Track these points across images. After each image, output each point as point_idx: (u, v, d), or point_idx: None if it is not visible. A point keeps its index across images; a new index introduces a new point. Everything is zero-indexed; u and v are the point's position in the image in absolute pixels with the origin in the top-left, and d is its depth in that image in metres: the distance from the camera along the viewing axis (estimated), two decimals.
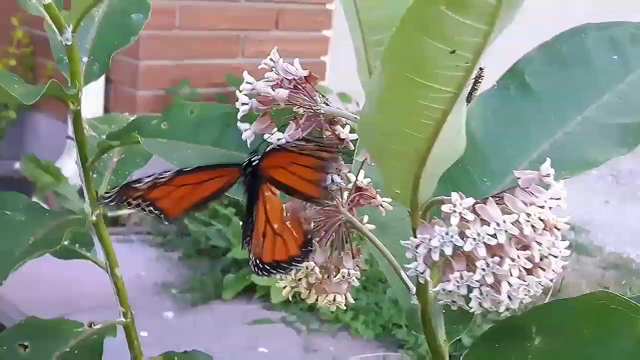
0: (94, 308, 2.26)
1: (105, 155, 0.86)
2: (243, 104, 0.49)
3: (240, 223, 2.69)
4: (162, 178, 0.57)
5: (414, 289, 0.52)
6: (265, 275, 0.51)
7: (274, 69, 0.49)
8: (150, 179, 0.56)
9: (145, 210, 0.56)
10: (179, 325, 2.35)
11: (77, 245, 0.89)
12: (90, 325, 0.86)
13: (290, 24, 3.30)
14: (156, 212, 0.56)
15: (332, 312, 2.52)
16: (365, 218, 0.53)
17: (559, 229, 0.44)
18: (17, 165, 3.10)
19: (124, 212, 2.92)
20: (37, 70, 3.31)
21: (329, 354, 2.29)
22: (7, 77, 0.71)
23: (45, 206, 0.85)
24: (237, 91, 0.50)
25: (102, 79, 2.93)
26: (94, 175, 0.86)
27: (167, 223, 0.55)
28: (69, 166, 3.03)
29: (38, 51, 3.31)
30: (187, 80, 3.06)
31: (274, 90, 0.48)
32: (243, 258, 2.59)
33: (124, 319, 0.90)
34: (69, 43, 0.75)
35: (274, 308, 2.48)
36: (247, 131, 0.49)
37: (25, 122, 3.34)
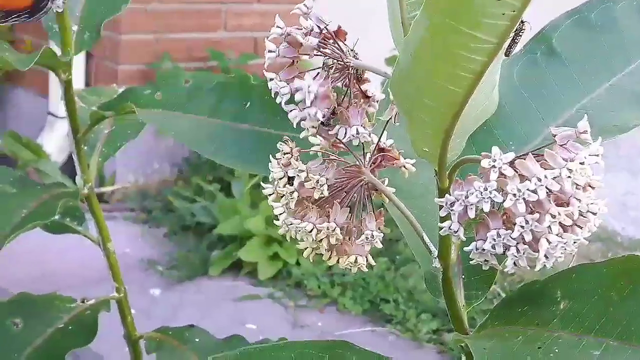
0: (78, 285, 2.23)
1: (96, 127, 0.83)
2: (270, 51, 0.46)
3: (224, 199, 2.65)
4: None
5: (435, 252, 0.51)
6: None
7: (306, 15, 0.46)
8: None
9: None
10: (166, 302, 2.33)
11: (68, 219, 0.87)
12: (83, 301, 0.84)
13: None
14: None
15: (319, 287, 2.52)
16: (386, 181, 0.51)
17: (592, 187, 0.43)
18: None
19: (108, 188, 2.89)
20: (15, 45, 3.26)
21: (317, 330, 2.28)
22: None
23: None
24: (265, 38, 0.47)
25: (83, 53, 2.89)
26: (85, 148, 0.84)
27: None
28: (51, 142, 2.99)
29: (16, 26, 3.25)
30: (168, 54, 3.02)
31: (304, 38, 0.46)
32: (229, 234, 2.57)
33: (117, 294, 0.88)
34: (60, 10, 0.72)
35: (261, 284, 2.46)
36: (273, 80, 0.46)
37: (5, 97, 3.28)
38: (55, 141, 3.01)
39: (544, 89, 0.59)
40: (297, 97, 0.45)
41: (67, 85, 0.77)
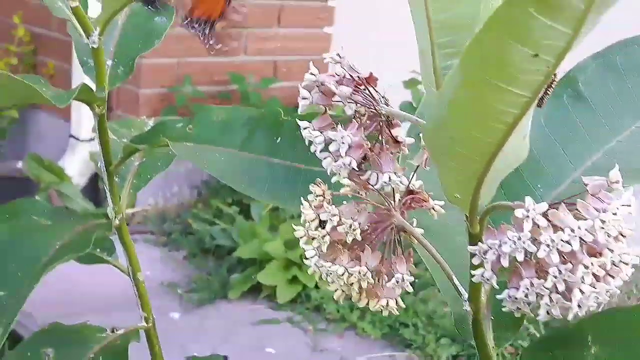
0: (103, 309, 2.25)
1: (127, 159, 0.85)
2: (303, 97, 0.47)
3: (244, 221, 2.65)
4: None
5: (465, 295, 0.51)
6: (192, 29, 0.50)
7: (339, 64, 0.48)
8: None
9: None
10: (186, 326, 2.34)
11: (98, 250, 0.88)
12: (112, 331, 0.84)
13: (292, 21, 3.29)
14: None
15: (338, 311, 2.53)
16: (414, 222, 0.52)
17: (624, 236, 0.43)
18: (19, 164, 3.08)
19: (129, 211, 2.91)
20: (38, 68, 3.30)
21: (337, 354, 2.29)
22: (36, 79, 0.70)
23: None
24: (299, 85, 0.48)
25: None
26: (116, 179, 0.85)
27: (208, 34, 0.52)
28: (72, 165, 3.02)
29: (39, 49, 3.29)
30: (189, 78, 3.05)
31: (337, 87, 0.47)
32: (248, 258, 2.58)
33: (145, 324, 0.89)
34: (95, 46, 0.74)
35: (280, 308, 2.47)
36: (307, 129, 0.47)
37: (28, 120, 3.32)
38: (76, 164, 3.04)
39: (571, 131, 0.59)
40: (332, 147, 0.46)
41: (100, 119, 0.79)
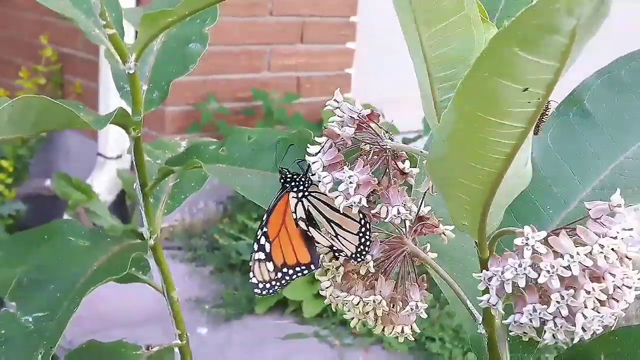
0: (128, 325, 2.28)
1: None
2: (314, 162, 0.49)
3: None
4: (263, 237, 0.55)
5: (480, 318, 0.52)
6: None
7: (337, 109, 0.50)
8: (258, 242, 0.55)
9: (291, 278, 0.56)
10: (214, 341, 2.37)
11: (134, 269, 0.90)
12: (148, 348, 0.87)
13: (315, 37, 3.32)
14: (299, 270, 0.55)
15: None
16: (428, 247, 0.53)
17: (629, 259, 0.44)
18: (47, 182, 3.13)
19: None
20: (65, 87, 3.35)
21: None
22: (75, 105, 0.72)
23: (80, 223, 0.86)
24: (308, 146, 0.50)
25: None
26: (151, 200, 0.87)
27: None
28: (100, 183, 3.06)
29: (66, 69, 3.34)
30: (214, 95, 3.08)
31: (340, 129, 0.49)
32: None
33: (179, 342, 0.91)
34: (131, 72, 0.75)
35: (307, 322, 2.49)
36: (316, 163, 0.49)
37: (55, 139, 3.37)
38: (104, 182, 3.08)
39: (578, 150, 0.59)
40: (341, 187, 0.48)
41: (136, 141, 0.80)
